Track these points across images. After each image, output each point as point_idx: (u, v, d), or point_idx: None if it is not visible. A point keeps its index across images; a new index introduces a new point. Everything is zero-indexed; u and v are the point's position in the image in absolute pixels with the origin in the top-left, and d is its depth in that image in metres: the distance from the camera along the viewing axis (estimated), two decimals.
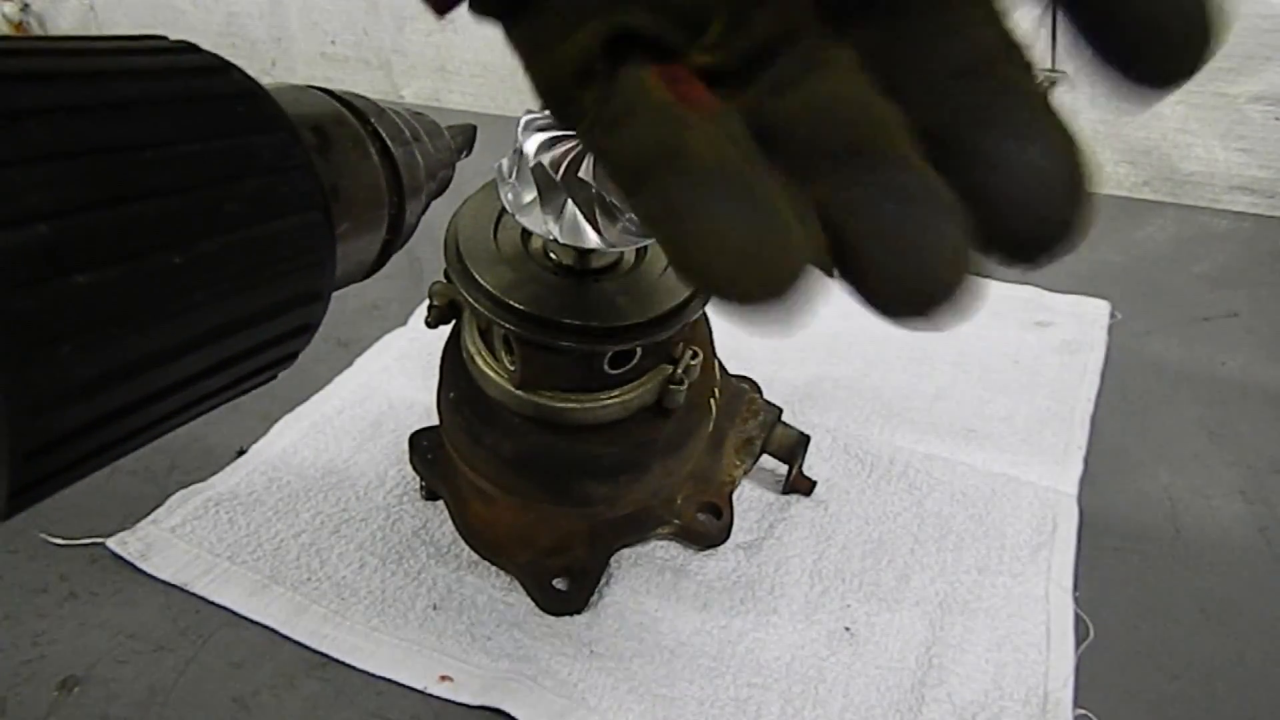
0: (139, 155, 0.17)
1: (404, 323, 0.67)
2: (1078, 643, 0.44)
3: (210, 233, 0.19)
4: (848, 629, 0.45)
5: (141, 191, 0.17)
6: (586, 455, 0.42)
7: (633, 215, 0.38)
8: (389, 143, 0.26)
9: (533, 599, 0.45)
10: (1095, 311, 0.71)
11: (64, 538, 0.48)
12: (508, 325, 0.38)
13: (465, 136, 0.34)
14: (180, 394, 0.19)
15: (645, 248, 0.42)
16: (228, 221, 0.19)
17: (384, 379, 0.61)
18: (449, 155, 0.31)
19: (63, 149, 0.16)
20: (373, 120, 0.26)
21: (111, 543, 0.48)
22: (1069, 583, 0.47)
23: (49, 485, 0.17)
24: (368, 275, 0.28)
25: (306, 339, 0.24)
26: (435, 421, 0.48)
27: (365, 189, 0.25)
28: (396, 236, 0.27)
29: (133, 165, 0.17)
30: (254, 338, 0.21)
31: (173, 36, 0.22)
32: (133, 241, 0.17)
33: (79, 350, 0.16)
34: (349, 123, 0.25)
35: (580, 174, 0.36)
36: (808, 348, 0.66)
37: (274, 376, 0.24)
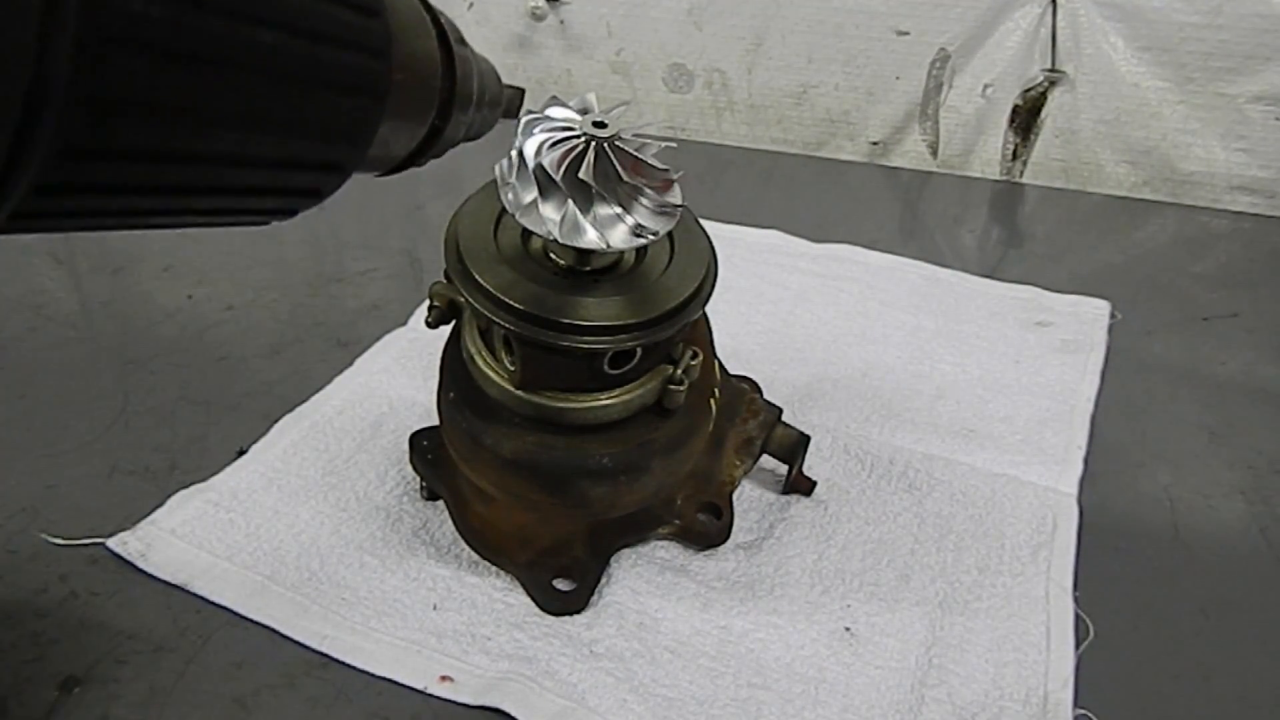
0: None
1: (404, 323, 0.67)
2: (1078, 643, 0.44)
3: (290, 29, 0.19)
4: (848, 629, 0.45)
5: None
6: (586, 455, 0.42)
7: (634, 215, 0.38)
8: (446, 31, 0.27)
9: (533, 599, 0.45)
10: (1095, 311, 0.71)
11: (64, 538, 0.48)
12: (508, 325, 0.38)
13: (515, 94, 0.34)
14: (201, 169, 0.19)
15: (645, 248, 0.42)
16: (303, 27, 0.19)
17: (384, 379, 0.61)
18: (497, 91, 0.31)
19: None
20: (434, 9, 0.27)
21: (111, 543, 0.48)
22: (1069, 583, 0.47)
23: (64, 200, 0.17)
24: (392, 169, 0.28)
25: (336, 180, 0.24)
26: (435, 421, 0.48)
27: (421, 54, 0.25)
28: (437, 136, 0.27)
29: None
30: (293, 149, 0.21)
31: None
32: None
33: (147, 69, 0.16)
34: (414, 1, 0.26)
35: (580, 174, 0.36)
36: (808, 348, 0.66)
37: (294, 211, 0.23)
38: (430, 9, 0.27)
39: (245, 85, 0.19)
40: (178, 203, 0.20)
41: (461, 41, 0.28)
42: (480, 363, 0.43)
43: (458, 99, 0.27)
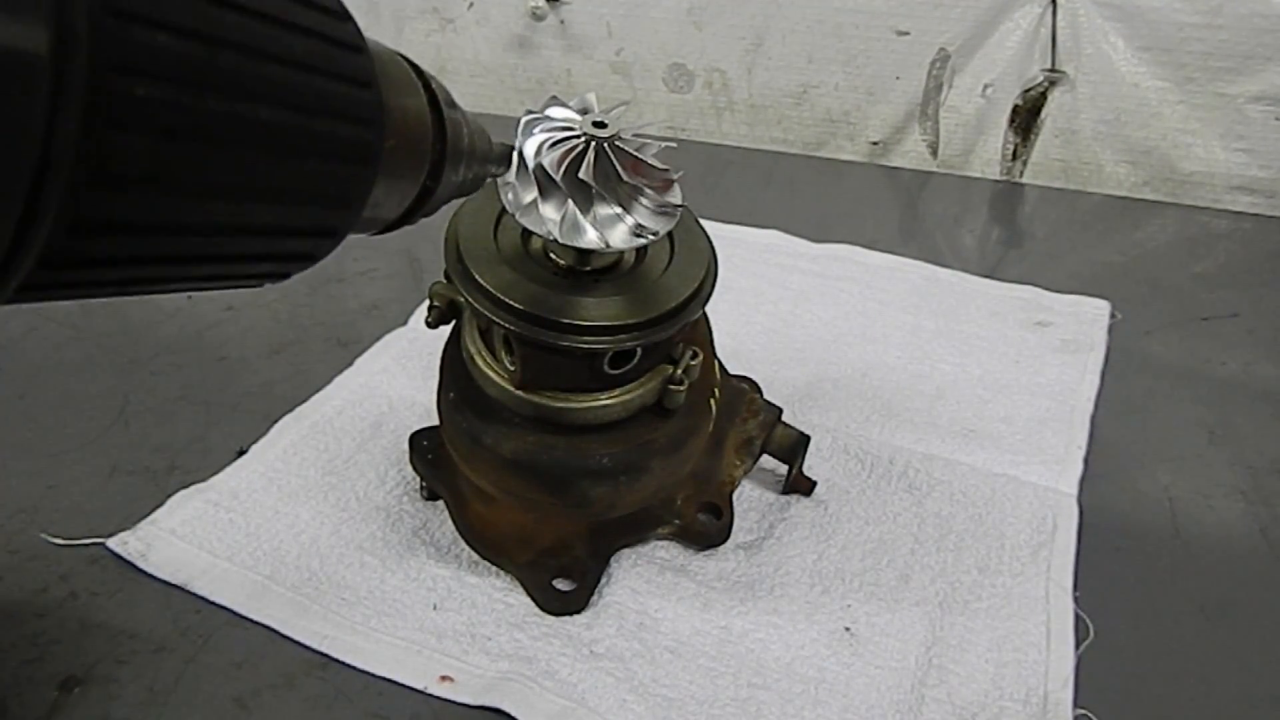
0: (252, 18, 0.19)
1: (404, 323, 0.67)
2: (1078, 643, 0.44)
3: (285, 105, 0.20)
4: (848, 629, 0.45)
5: (242, 47, 0.18)
6: (586, 455, 0.42)
7: (634, 215, 0.38)
8: (437, 94, 0.27)
9: (533, 599, 0.45)
10: (1095, 311, 0.71)
11: (64, 538, 0.48)
12: (508, 325, 0.38)
13: (507, 151, 0.35)
14: (199, 240, 0.20)
15: (645, 248, 0.42)
16: (298, 102, 0.20)
17: (384, 379, 0.61)
18: (487, 149, 0.31)
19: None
20: (425, 73, 0.27)
21: (111, 543, 0.48)
22: (1069, 583, 0.47)
23: (71, 271, 0.18)
24: (385, 229, 0.28)
25: (330, 244, 0.24)
26: (435, 421, 0.48)
27: (412, 120, 0.26)
28: (429, 195, 0.28)
29: (241, 26, 0.19)
30: (288, 216, 0.22)
31: None
32: (218, 77, 0.18)
33: (150, 144, 0.17)
34: (402, 64, 0.26)
35: (580, 174, 0.36)
36: (808, 348, 0.66)
37: (287, 274, 0.24)
38: (421, 74, 0.27)
39: (243, 159, 0.19)
40: (175, 271, 0.21)
41: (451, 104, 0.29)
42: (480, 363, 0.43)
43: (448, 160, 0.28)
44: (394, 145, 0.24)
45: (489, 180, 0.34)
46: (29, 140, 0.14)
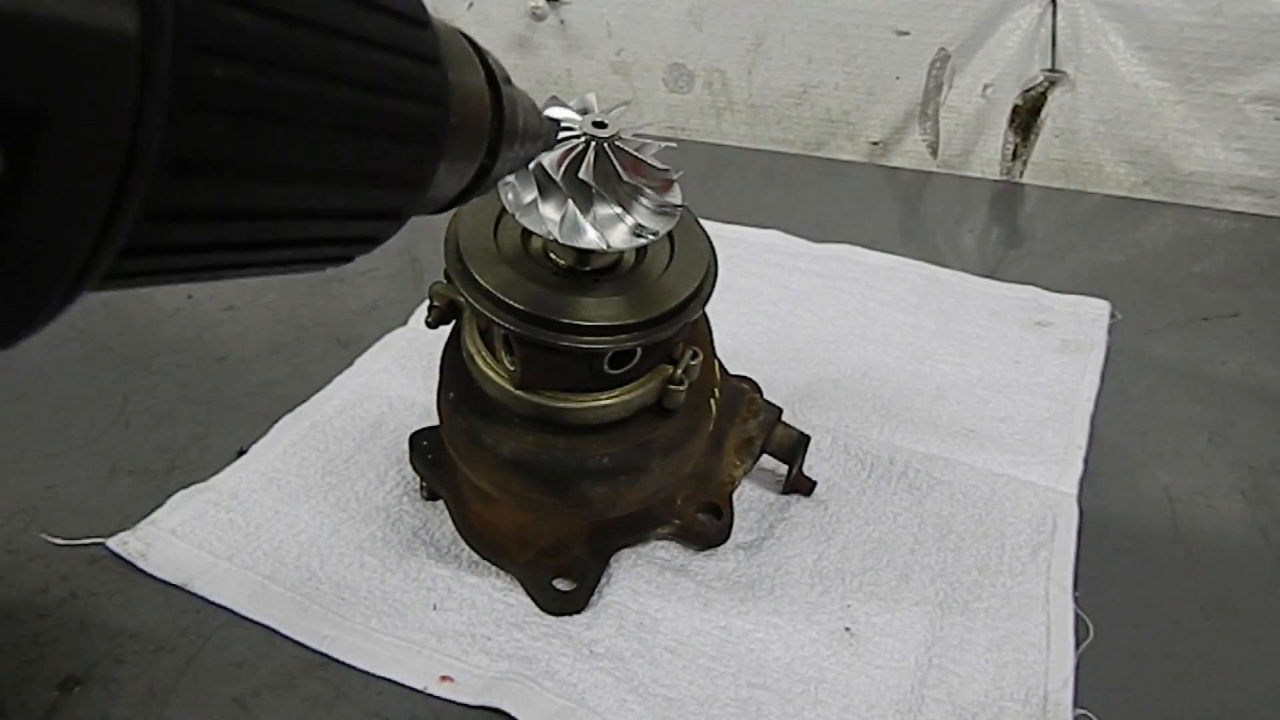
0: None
1: (404, 323, 0.67)
2: (1078, 643, 0.44)
3: (356, 83, 0.19)
4: (848, 629, 0.45)
5: (314, 23, 0.18)
6: (586, 455, 0.42)
7: (634, 215, 0.38)
8: (494, 70, 0.27)
9: (533, 599, 0.45)
10: (1095, 311, 0.71)
11: (64, 538, 0.48)
12: (508, 325, 0.38)
13: (553, 126, 0.35)
14: (271, 224, 0.20)
15: (645, 248, 0.42)
16: (369, 80, 0.20)
17: (384, 379, 0.61)
18: (538, 125, 0.31)
19: None
20: (481, 48, 0.27)
21: (111, 543, 0.48)
22: (1069, 583, 0.47)
23: (144, 263, 0.17)
24: (440, 209, 0.28)
25: (394, 227, 0.24)
26: (435, 421, 0.48)
27: (472, 97, 0.26)
28: (485, 175, 0.28)
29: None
30: (356, 198, 0.21)
31: None
32: (290, 50, 0.18)
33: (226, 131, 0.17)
34: (460, 39, 0.26)
35: (580, 174, 0.36)
36: (808, 348, 0.66)
37: (350, 257, 0.24)
38: (479, 50, 0.27)
39: (316, 140, 0.19)
40: (246, 257, 0.20)
41: (508, 81, 0.28)
42: (480, 363, 0.43)
43: (505, 138, 0.28)
44: (457, 123, 0.24)
45: None
46: (119, 127, 0.14)
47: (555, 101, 0.38)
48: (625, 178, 0.37)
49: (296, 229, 0.20)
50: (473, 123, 0.26)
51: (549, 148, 0.35)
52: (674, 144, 0.40)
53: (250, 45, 0.17)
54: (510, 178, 0.37)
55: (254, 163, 0.18)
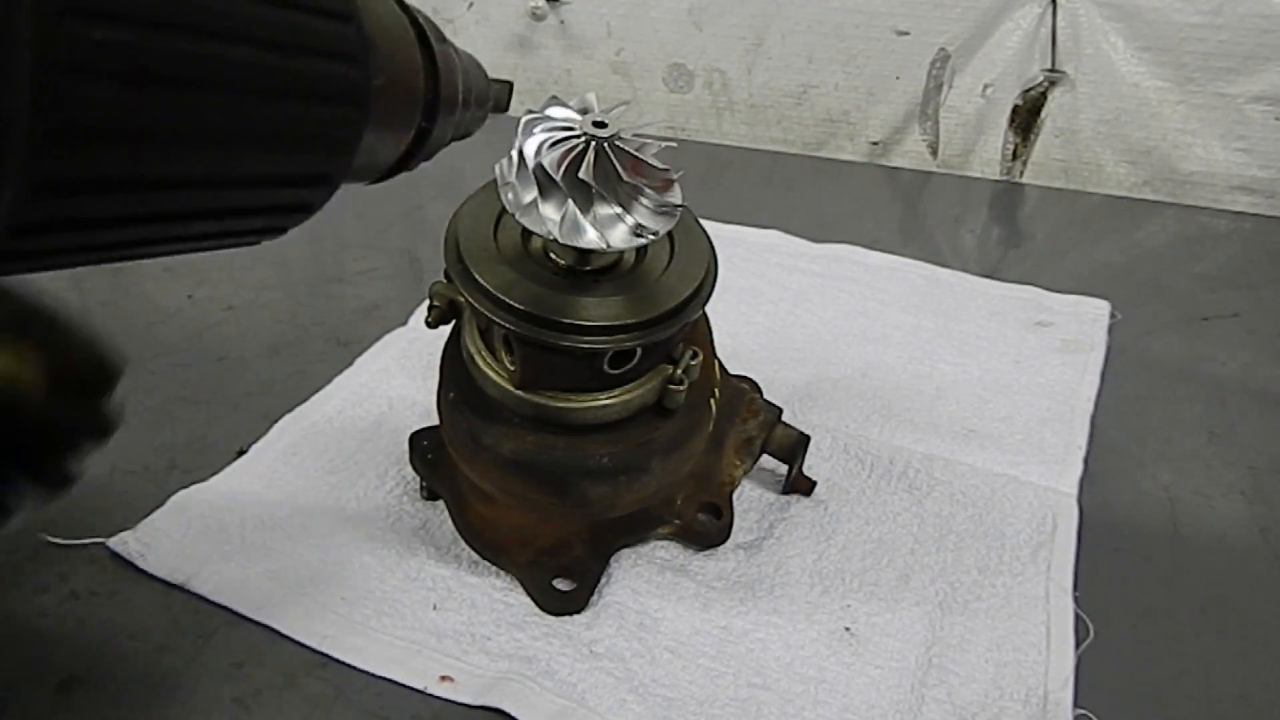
0: None
1: (404, 323, 0.67)
2: (1078, 643, 0.44)
3: (260, 42, 0.18)
4: (848, 629, 0.45)
5: None
6: (586, 455, 0.42)
7: (634, 215, 0.38)
8: (425, 29, 0.26)
9: (533, 599, 0.45)
10: (1095, 311, 0.71)
11: (64, 538, 0.48)
12: (507, 325, 0.38)
13: (504, 89, 0.34)
14: (182, 194, 0.19)
15: (645, 248, 0.42)
16: (274, 40, 0.19)
17: (384, 379, 0.61)
18: (484, 87, 0.30)
19: None
20: (411, 8, 0.26)
21: (112, 543, 0.48)
22: (1069, 583, 0.47)
23: (42, 237, 0.16)
24: (382, 176, 0.27)
25: (325, 193, 0.23)
26: (435, 421, 0.48)
27: (401, 57, 0.24)
28: (425, 138, 0.27)
29: None
30: (276, 165, 0.20)
31: None
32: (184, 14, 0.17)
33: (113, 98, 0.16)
34: (388, 1, 0.25)
35: (580, 174, 0.36)
36: (808, 348, 0.66)
37: (283, 228, 0.23)
38: (408, 9, 0.26)
39: (219, 104, 0.18)
40: (161, 231, 0.19)
41: (442, 39, 0.27)
42: (480, 363, 0.43)
43: (443, 100, 0.27)
44: (383, 84, 0.23)
45: (489, 180, 0.33)
46: None
47: (555, 101, 0.38)
48: (625, 177, 0.37)
49: (213, 198, 0.19)
50: (403, 83, 0.25)
51: (501, 110, 0.34)
52: (674, 144, 0.39)
53: (134, 5, 0.16)
54: (510, 178, 0.37)
55: (152, 128, 0.17)
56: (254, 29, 0.18)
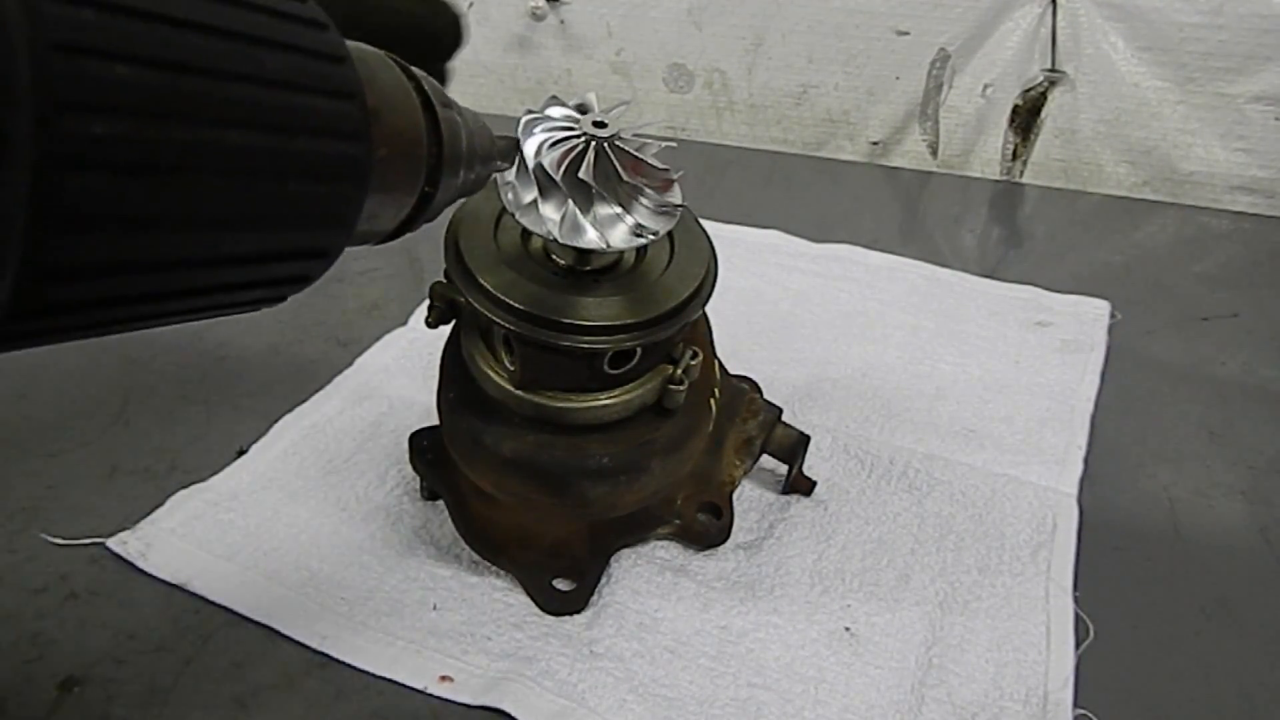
0: (215, 39, 0.17)
1: (404, 323, 0.67)
2: (1078, 643, 0.44)
3: (260, 126, 0.18)
4: (848, 629, 0.45)
5: (208, 71, 0.17)
6: (586, 455, 0.42)
7: (634, 215, 0.38)
8: (430, 95, 0.26)
9: (533, 599, 0.45)
10: (1095, 311, 0.71)
11: (64, 538, 0.48)
12: (508, 325, 0.38)
13: (510, 144, 0.34)
14: (178, 274, 0.19)
15: (645, 248, 0.42)
16: (273, 123, 0.19)
17: (384, 379, 0.61)
18: (489, 147, 0.30)
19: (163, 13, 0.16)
20: (415, 73, 0.26)
21: (111, 543, 0.48)
22: (1069, 583, 0.47)
23: (47, 319, 0.17)
24: (385, 239, 0.27)
25: (322, 265, 0.23)
26: (435, 421, 0.48)
27: (405, 126, 0.24)
28: (428, 202, 0.27)
29: (205, 47, 0.17)
30: (272, 242, 0.20)
31: None
32: (186, 103, 0.17)
33: (111, 185, 0.16)
34: (391, 66, 0.25)
35: (580, 174, 0.36)
36: (808, 348, 0.66)
37: (281, 298, 0.23)
38: (412, 75, 0.26)
39: (218, 188, 0.18)
40: (159, 308, 0.19)
41: (446, 104, 0.27)
42: (480, 363, 0.43)
43: (446, 164, 0.26)
44: (385, 155, 0.23)
45: (490, 179, 0.34)
46: None
47: (555, 101, 0.38)
48: (625, 177, 0.37)
49: (208, 276, 0.20)
50: (405, 152, 0.25)
51: (510, 165, 0.34)
52: (674, 144, 0.39)
53: (132, 99, 0.16)
54: (510, 177, 0.37)
55: (149, 215, 0.17)
56: (254, 114, 0.18)
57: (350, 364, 0.63)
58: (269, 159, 0.19)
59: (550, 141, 0.36)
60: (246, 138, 0.18)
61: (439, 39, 0.31)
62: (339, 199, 0.22)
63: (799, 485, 0.52)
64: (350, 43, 0.23)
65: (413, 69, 0.26)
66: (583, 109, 0.38)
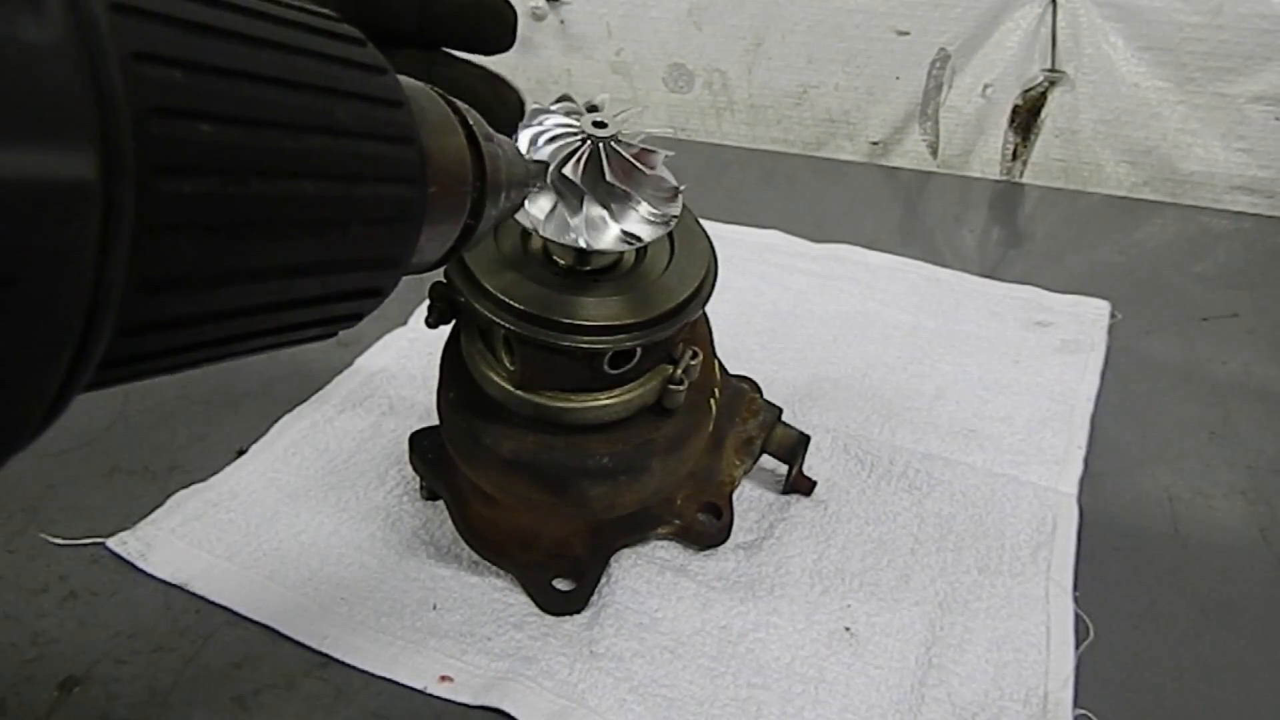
0: (290, 99, 0.18)
1: (404, 323, 0.67)
2: (1078, 643, 0.44)
3: (329, 176, 0.19)
4: (848, 629, 0.45)
5: (284, 124, 0.18)
6: (586, 455, 0.42)
7: (624, 221, 0.38)
8: (474, 130, 0.26)
9: (533, 599, 0.45)
10: (1095, 311, 0.71)
11: (64, 538, 0.48)
12: (508, 325, 0.38)
13: (540, 169, 0.34)
14: (246, 320, 0.19)
15: (645, 248, 0.42)
16: (342, 172, 0.19)
17: (384, 379, 0.61)
18: (523, 173, 0.31)
19: (240, 70, 0.17)
20: (459, 107, 0.27)
21: (111, 543, 0.48)
22: (1069, 583, 0.47)
23: (127, 369, 0.17)
24: (429, 268, 0.28)
25: (375, 303, 0.24)
26: (435, 421, 0.48)
27: (452, 163, 0.25)
28: (470, 234, 0.27)
29: (281, 106, 0.18)
30: (333, 284, 0.21)
31: None
32: (260, 156, 0.17)
33: (195, 237, 0.16)
34: (438, 102, 0.26)
35: (568, 172, 0.36)
36: (808, 348, 0.66)
37: (334, 333, 0.23)
38: (457, 109, 0.26)
39: (289, 238, 0.19)
40: (223, 350, 0.20)
41: (489, 137, 0.27)
42: (480, 363, 0.43)
43: (489, 194, 0.27)
44: (436, 192, 0.24)
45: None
46: (84, 267, 0.14)
47: (565, 99, 0.38)
48: (618, 181, 0.37)
49: (273, 320, 0.20)
50: (454, 188, 0.25)
51: (536, 189, 0.35)
52: (671, 153, 0.39)
53: (217, 157, 0.16)
54: None
55: (228, 269, 0.17)
56: (323, 164, 0.19)
57: (350, 364, 0.63)
58: (337, 207, 0.20)
59: (548, 136, 0.36)
60: (317, 188, 0.19)
61: (497, 121, 0.32)
62: (396, 240, 0.23)
63: (799, 485, 0.52)
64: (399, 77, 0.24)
65: (457, 102, 0.27)
66: (592, 108, 0.38)
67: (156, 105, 0.15)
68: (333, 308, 0.22)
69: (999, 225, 0.91)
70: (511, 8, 0.36)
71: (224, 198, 0.16)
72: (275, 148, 0.18)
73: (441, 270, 0.42)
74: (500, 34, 0.36)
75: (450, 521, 0.48)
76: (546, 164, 0.35)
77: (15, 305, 0.13)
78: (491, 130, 0.28)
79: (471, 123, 0.26)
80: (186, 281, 0.17)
